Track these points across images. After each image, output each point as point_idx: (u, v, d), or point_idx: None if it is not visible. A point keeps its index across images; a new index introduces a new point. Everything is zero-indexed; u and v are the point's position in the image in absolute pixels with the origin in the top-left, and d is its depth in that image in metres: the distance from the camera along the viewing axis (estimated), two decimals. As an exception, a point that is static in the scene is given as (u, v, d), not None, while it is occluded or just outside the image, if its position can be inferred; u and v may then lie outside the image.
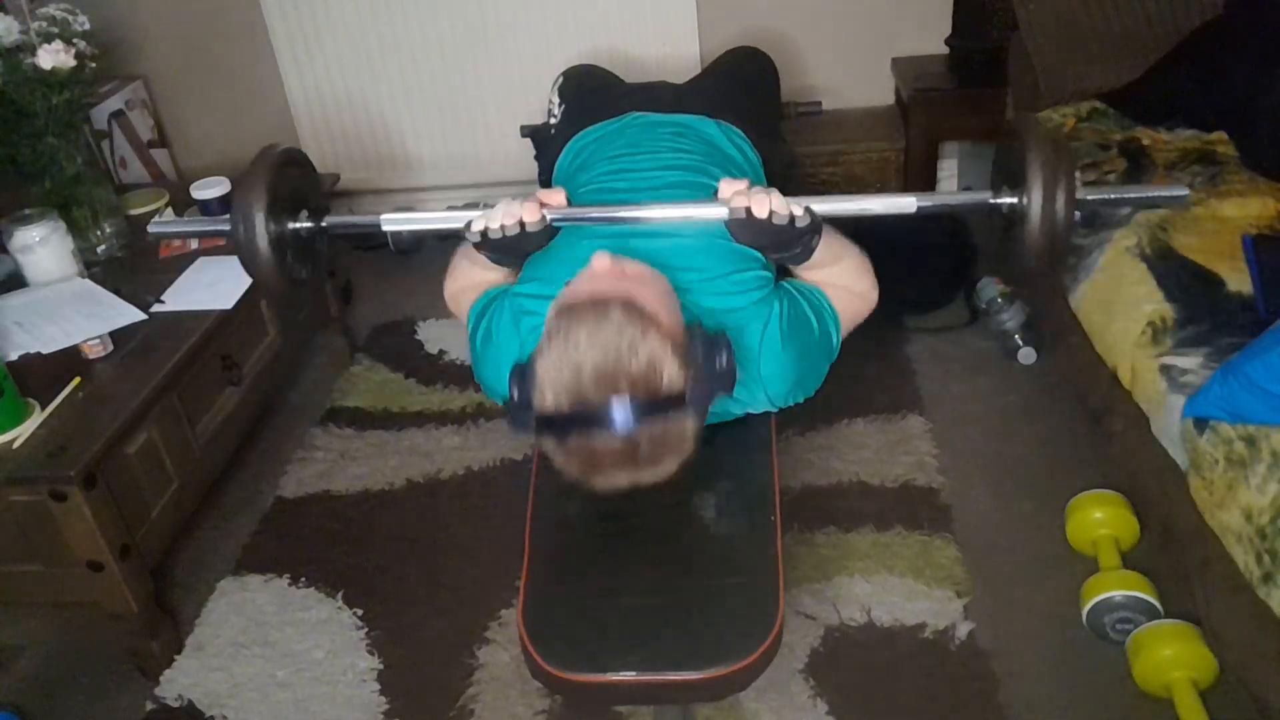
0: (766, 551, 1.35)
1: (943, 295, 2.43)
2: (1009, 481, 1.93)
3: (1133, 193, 1.29)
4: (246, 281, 1.91)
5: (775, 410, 1.44)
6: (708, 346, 1.17)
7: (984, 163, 2.77)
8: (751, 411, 1.46)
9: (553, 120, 1.92)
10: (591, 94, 1.92)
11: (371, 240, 2.96)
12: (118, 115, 2.72)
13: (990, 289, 2.29)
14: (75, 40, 1.91)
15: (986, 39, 2.58)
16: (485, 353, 1.42)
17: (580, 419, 1.10)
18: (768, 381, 1.35)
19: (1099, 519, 1.72)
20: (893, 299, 2.36)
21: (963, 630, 1.63)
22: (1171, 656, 1.46)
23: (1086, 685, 1.55)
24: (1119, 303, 1.66)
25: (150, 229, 1.46)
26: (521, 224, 1.27)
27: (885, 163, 2.64)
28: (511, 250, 1.33)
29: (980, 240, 2.60)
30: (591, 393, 1.09)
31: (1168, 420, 1.46)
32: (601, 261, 1.23)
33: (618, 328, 1.10)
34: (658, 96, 1.82)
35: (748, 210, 1.22)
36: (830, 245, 1.35)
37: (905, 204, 1.32)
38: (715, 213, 1.27)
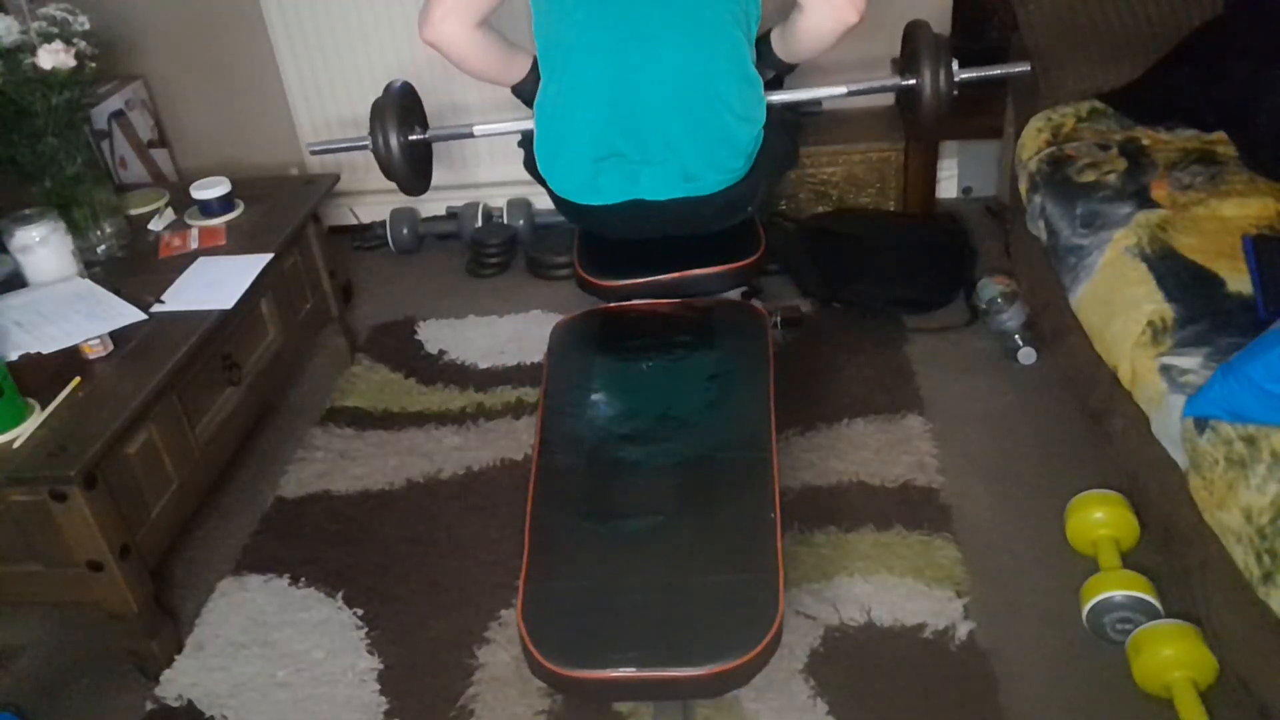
0: (766, 548, 1.35)
1: (943, 295, 2.43)
2: (1009, 481, 1.93)
3: (987, 70, 1.73)
4: (246, 281, 1.91)
5: None
6: None
7: (984, 162, 2.80)
8: None
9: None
10: None
11: (373, 239, 2.97)
12: (118, 115, 2.72)
13: (990, 289, 2.29)
14: (75, 40, 1.91)
15: (986, 39, 2.58)
16: None
17: None
18: None
19: (1099, 519, 1.72)
20: (893, 299, 2.41)
21: (963, 630, 1.63)
22: (1171, 656, 1.46)
23: (1086, 685, 1.55)
24: (1119, 303, 1.66)
25: (311, 149, 1.91)
26: None
27: (885, 163, 2.64)
28: None
29: (979, 241, 2.61)
30: None
31: (1168, 420, 1.46)
32: None
33: None
34: None
35: None
36: None
37: (837, 90, 1.79)
38: None
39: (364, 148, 1.79)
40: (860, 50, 2.70)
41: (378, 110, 1.76)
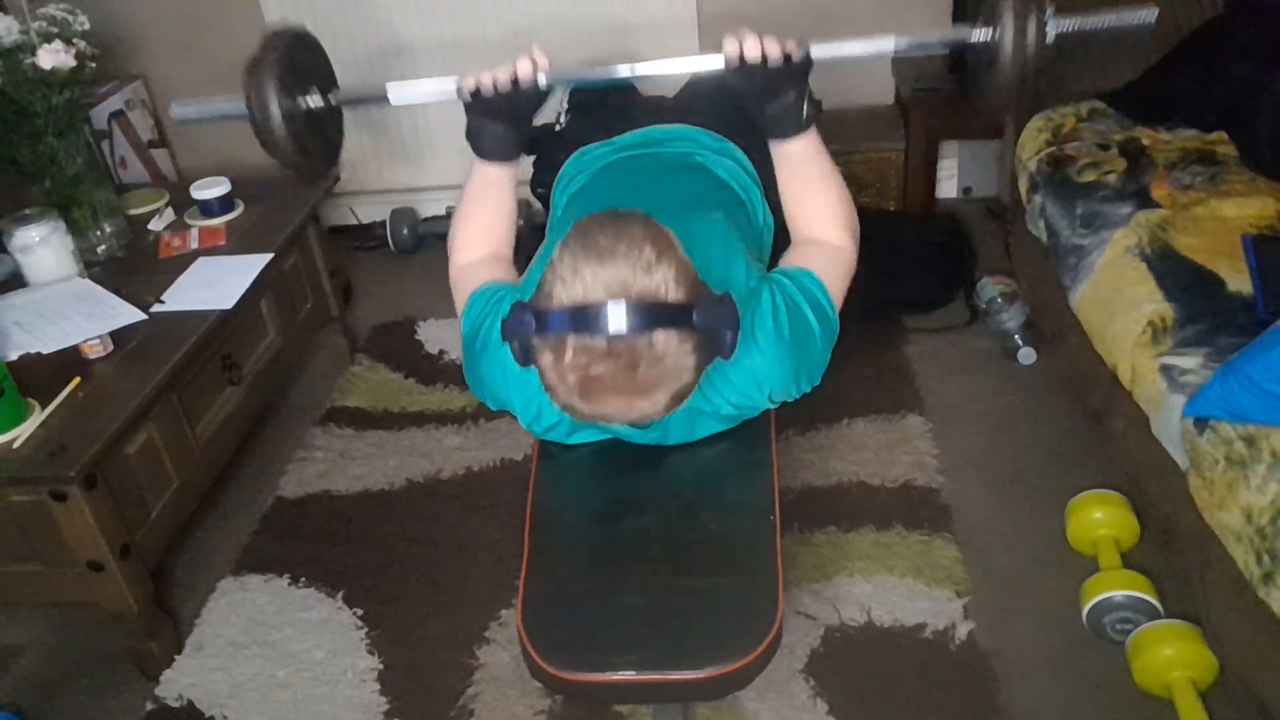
0: (766, 550, 1.35)
1: (943, 295, 2.43)
2: (1009, 481, 1.93)
3: (1106, 21, 1.26)
4: (246, 281, 1.91)
5: (777, 405, 1.42)
6: (716, 302, 1.12)
7: (985, 162, 2.80)
8: (751, 416, 1.45)
9: (559, 126, 1.93)
10: (599, 104, 1.92)
11: (373, 239, 2.97)
12: (118, 115, 2.72)
13: (990, 289, 2.29)
14: (75, 40, 1.91)
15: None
16: (484, 356, 1.37)
17: (581, 318, 1.05)
18: (765, 378, 1.32)
19: (1099, 519, 1.72)
20: (893, 299, 2.41)
21: (963, 630, 1.63)
22: (1171, 656, 1.46)
23: (1086, 685, 1.55)
24: (1119, 303, 1.66)
25: (174, 114, 1.40)
26: (515, 81, 1.29)
27: (885, 163, 2.64)
28: (503, 114, 1.33)
29: (979, 241, 2.61)
30: (599, 295, 1.05)
31: (1168, 420, 1.46)
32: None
33: (639, 239, 1.08)
34: (658, 107, 1.83)
35: (741, 56, 1.26)
36: (816, 154, 1.40)
37: (885, 44, 1.35)
38: (712, 62, 1.30)
39: (239, 117, 1.35)
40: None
41: (254, 67, 1.31)
